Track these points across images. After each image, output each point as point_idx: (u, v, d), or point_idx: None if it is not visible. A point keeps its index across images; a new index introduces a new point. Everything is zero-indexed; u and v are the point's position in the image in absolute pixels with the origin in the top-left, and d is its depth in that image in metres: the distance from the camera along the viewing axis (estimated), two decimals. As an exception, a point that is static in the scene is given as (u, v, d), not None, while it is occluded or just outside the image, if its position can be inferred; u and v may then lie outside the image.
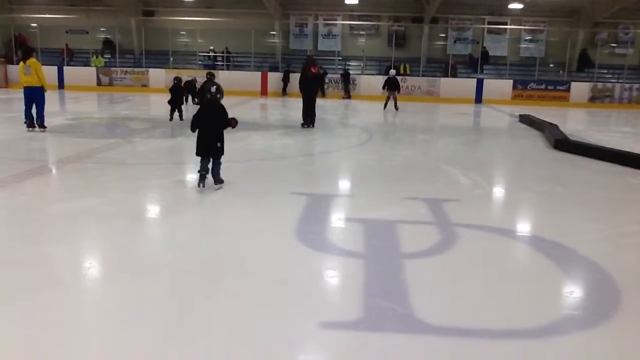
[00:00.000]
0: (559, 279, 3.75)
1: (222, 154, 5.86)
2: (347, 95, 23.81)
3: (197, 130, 5.80)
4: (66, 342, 2.71)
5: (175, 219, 4.99)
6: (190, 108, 13.65)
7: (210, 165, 5.83)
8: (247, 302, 3.17)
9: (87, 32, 26.88)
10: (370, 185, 6.58)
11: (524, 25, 27.15)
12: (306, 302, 3.20)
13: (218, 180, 5.91)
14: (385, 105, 18.52)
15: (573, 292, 3.57)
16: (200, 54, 26.59)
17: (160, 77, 24.66)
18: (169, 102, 12.70)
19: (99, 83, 24.72)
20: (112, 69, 25.20)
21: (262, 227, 4.70)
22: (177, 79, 13.16)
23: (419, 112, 18.60)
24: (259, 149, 9.13)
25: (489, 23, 27.04)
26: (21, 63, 10.29)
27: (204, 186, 5.79)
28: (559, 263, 3.99)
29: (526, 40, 27.47)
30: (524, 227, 5.23)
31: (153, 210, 5.43)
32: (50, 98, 10.46)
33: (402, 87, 21.14)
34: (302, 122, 12.07)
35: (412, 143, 10.96)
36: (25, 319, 2.91)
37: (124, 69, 25.24)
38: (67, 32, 26.67)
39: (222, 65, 25.92)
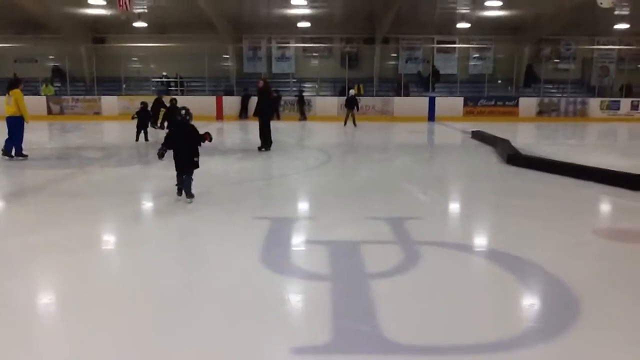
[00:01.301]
0: (519, 291, 3.87)
1: (197, 167, 6.60)
2: (303, 117, 23.99)
3: (165, 152, 6.60)
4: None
5: (136, 250, 4.92)
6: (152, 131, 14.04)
7: (184, 180, 6.59)
8: (215, 331, 3.15)
9: (36, 61, 26.36)
10: (331, 207, 6.63)
11: (472, 44, 27.99)
12: (275, 327, 3.21)
13: (189, 195, 6.63)
14: (345, 122, 20.48)
15: (534, 305, 3.68)
16: (153, 79, 26.37)
17: (113, 104, 24.36)
18: (137, 125, 14.10)
19: (50, 112, 24.24)
20: (63, 97, 24.77)
21: (225, 253, 4.68)
22: (144, 103, 14.63)
23: (374, 131, 18.87)
24: (218, 173, 9.09)
25: (438, 42, 27.78)
26: (7, 94, 10.75)
27: (180, 195, 6.63)
28: (519, 276, 4.11)
29: (474, 57, 28.31)
30: (483, 242, 5.36)
31: (112, 242, 5.34)
32: (-1, 129, 10.25)
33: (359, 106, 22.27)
34: (260, 146, 12.04)
35: (370, 162, 11.10)
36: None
37: (75, 97, 24.81)
38: (15, 61, 26.08)
39: (176, 90, 25.76)
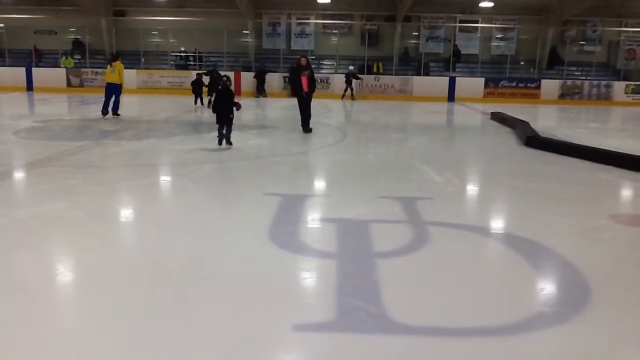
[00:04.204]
0: (531, 275, 3.78)
1: (232, 122, 8.73)
2: (260, 94, 23.53)
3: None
4: (33, 350, 2.64)
5: (147, 222, 4.92)
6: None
7: (224, 132, 8.72)
8: (219, 305, 3.13)
9: (56, 33, 26.40)
10: (343, 185, 6.57)
11: (495, 24, 27.44)
12: (279, 304, 3.17)
13: (229, 142, 8.80)
14: (343, 96, 22.70)
15: (544, 289, 3.60)
16: (172, 54, 26.32)
17: (131, 77, 24.27)
18: (193, 91, 17.72)
19: (69, 84, 24.29)
20: (83, 69, 24.78)
21: (235, 229, 4.66)
22: (199, 74, 17.95)
23: (392, 110, 18.67)
24: (233, 149, 9.03)
25: (461, 21, 27.27)
26: (109, 65, 13.77)
27: (221, 145, 8.71)
28: (531, 259, 4.02)
29: (497, 38, 27.76)
30: (496, 224, 5.27)
31: (124, 214, 5.33)
32: (19, 100, 10.33)
33: (375, 85, 24.16)
34: (307, 127, 11.27)
35: (386, 142, 10.97)
36: (-11, 329, 2.83)
37: (95, 69, 24.84)
38: (35, 32, 26.16)
39: (194, 65, 25.66)
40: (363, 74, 24.09)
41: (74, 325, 2.95)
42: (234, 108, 8.75)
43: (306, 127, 11.19)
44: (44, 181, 6.44)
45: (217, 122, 8.65)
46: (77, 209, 5.15)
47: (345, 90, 22.68)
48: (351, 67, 23.75)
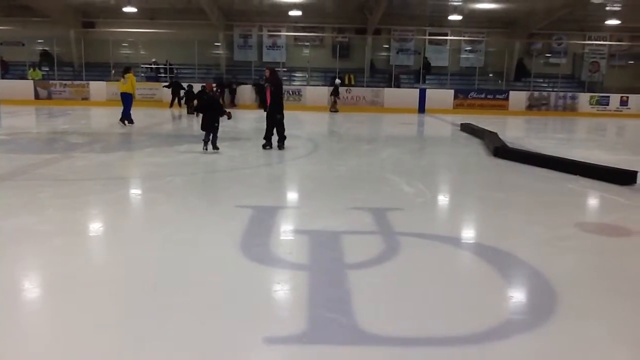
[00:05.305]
0: (499, 284, 3.84)
1: (217, 130, 9.49)
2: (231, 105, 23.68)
3: (196, 113, 10.88)
4: (-3, 369, 2.58)
5: (116, 236, 4.86)
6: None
7: (210, 137, 9.47)
8: (190, 317, 3.10)
9: (23, 44, 25.99)
10: (315, 196, 6.59)
11: (464, 36, 27.92)
12: (250, 316, 3.16)
13: (215, 147, 9.50)
14: (330, 109, 23.42)
15: (513, 297, 3.66)
16: (142, 66, 26.10)
17: (101, 89, 24.09)
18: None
19: (37, 96, 23.91)
20: (51, 81, 24.43)
21: (206, 241, 4.63)
22: (189, 86, 20.06)
23: (363, 122, 18.81)
24: (204, 161, 9.00)
25: (430, 34, 27.69)
26: (121, 77, 14.88)
27: (206, 149, 9.46)
28: (500, 268, 4.09)
29: (466, 50, 28.25)
30: (465, 234, 5.34)
31: (92, 228, 5.26)
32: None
33: (347, 97, 24.60)
34: (276, 142, 10.57)
35: (357, 153, 11.05)
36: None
37: (63, 81, 24.50)
38: (1, 44, 25.72)
39: (165, 77, 25.50)
40: (334, 86, 24.22)
41: (38, 340, 2.90)
42: (225, 116, 9.65)
43: (267, 143, 10.43)
44: (10, 195, 6.32)
45: (203, 129, 9.41)
46: (45, 222, 5.07)
47: (334, 102, 23.48)
48: (338, 81, 24.23)
